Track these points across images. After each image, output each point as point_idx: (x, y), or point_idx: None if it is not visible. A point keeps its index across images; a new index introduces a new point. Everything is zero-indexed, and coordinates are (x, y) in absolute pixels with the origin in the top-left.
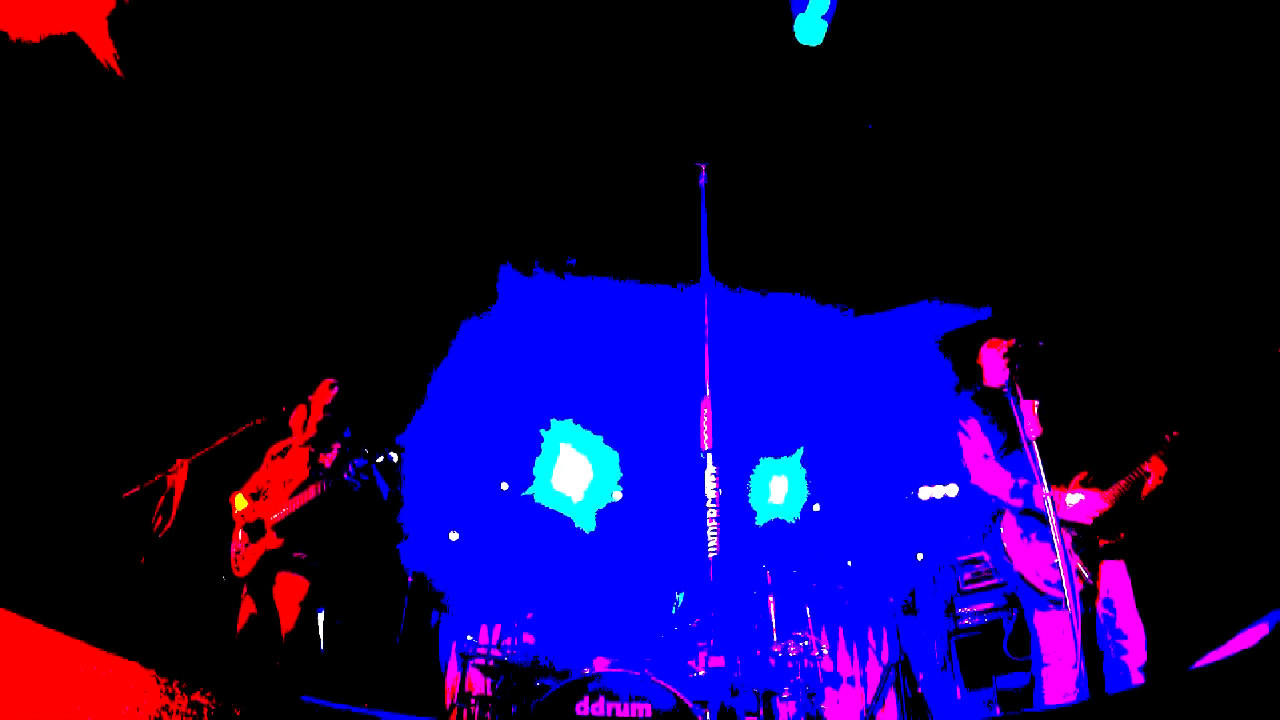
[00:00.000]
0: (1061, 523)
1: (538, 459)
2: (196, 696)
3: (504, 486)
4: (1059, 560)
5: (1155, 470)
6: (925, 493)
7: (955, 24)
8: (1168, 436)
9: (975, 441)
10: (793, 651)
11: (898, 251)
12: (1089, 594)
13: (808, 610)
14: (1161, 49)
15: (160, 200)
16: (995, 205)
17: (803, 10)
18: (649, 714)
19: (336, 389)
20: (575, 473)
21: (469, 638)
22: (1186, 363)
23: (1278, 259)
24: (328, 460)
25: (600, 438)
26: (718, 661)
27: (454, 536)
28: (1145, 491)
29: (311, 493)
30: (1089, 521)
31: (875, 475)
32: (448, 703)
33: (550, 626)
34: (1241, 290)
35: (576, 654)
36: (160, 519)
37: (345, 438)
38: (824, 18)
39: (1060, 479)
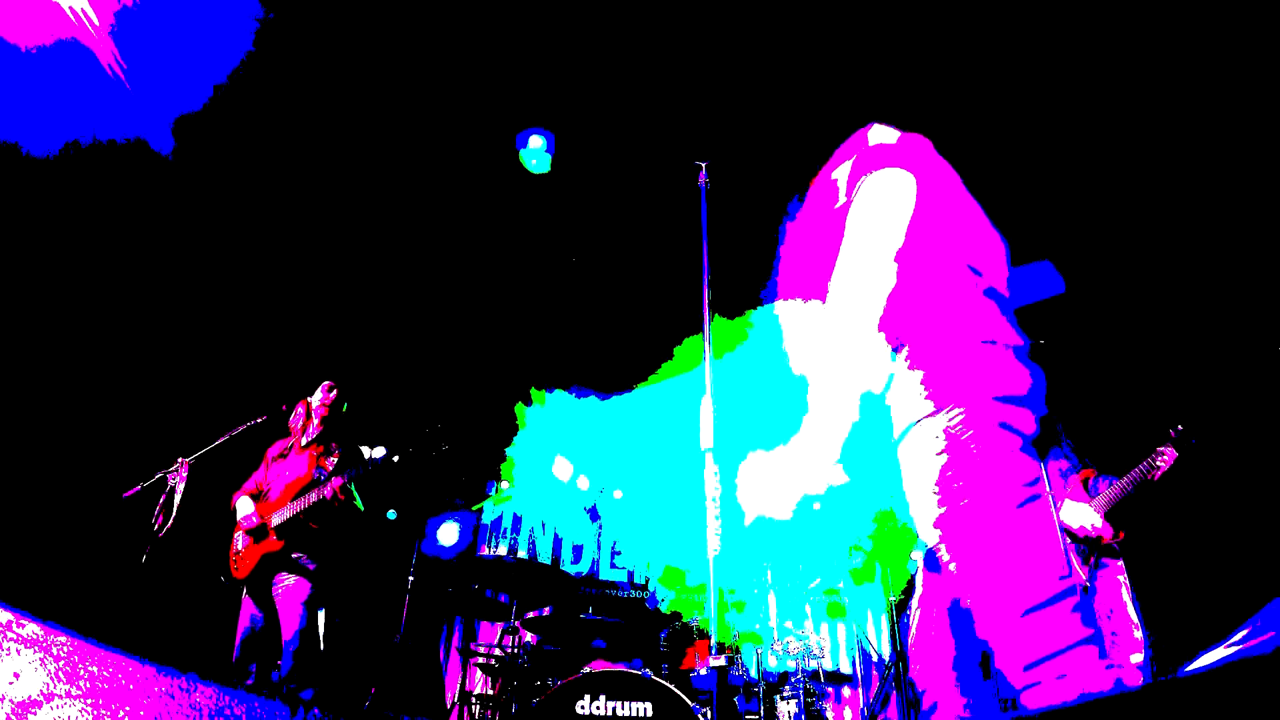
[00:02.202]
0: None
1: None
2: (197, 697)
3: (504, 485)
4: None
5: (1168, 457)
6: None
7: (955, 23)
8: (1172, 432)
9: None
10: (793, 650)
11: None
12: (1087, 592)
13: (808, 609)
14: (1162, 46)
15: (161, 201)
16: (996, 204)
17: (524, 147)
18: (649, 713)
19: (335, 391)
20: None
21: (464, 636)
22: (1187, 363)
23: (1278, 258)
24: (329, 463)
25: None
26: (718, 660)
27: (450, 536)
28: (1158, 475)
29: (314, 496)
30: (1092, 532)
31: (872, 473)
32: (448, 702)
33: (551, 625)
34: (1242, 290)
35: (579, 651)
36: (160, 519)
37: (346, 439)
38: (547, 151)
39: (1064, 476)
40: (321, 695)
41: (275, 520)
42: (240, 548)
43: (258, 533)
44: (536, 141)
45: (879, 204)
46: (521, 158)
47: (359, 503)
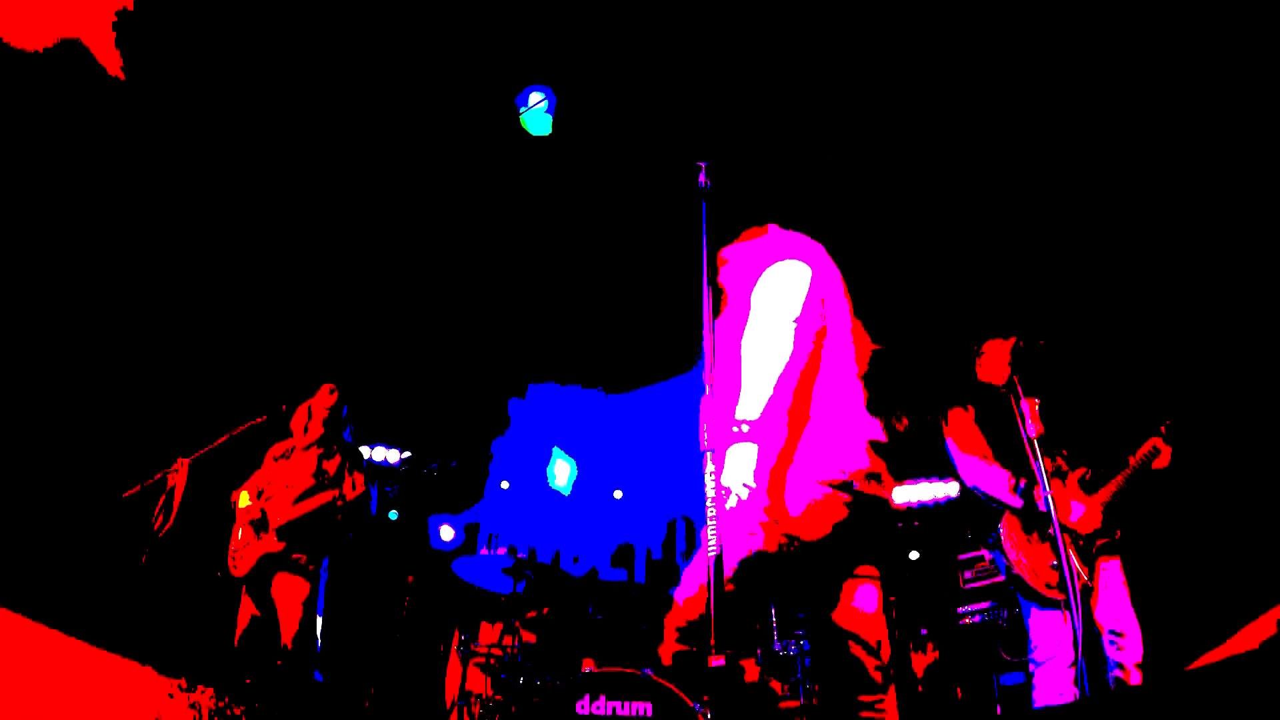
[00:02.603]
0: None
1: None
2: (196, 696)
3: (504, 485)
4: (1060, 560)
5: (1162, 452)
6: (920, 492)
7: (955, 23)
8: (1163, 427)
9: (969, 440)
10: (794, 650)
11: (898, 249)
12: (1086, 592)
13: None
14: (1162, 44)
15: (161, 200)
16: (997, 205)
17: (525, 105)
18: (649, 713)
19: (336, 394)
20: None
21: (465, 636)
22: (1185, 362)
23: (1277, 259)
24: (330, 465)
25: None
26: (718, 661)
27: (448, 534)
28: (1156, 466)
29: (320, 499)
30: (1087, 529)
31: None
32: (448, 701)
33: (550, 625)
34: (1240, 290)
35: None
36: (160, 519)
37: (347, 441)
38: (547, 111)
39: (1060, 475)
40: (321, 695)
41: (279, 522)
42: (239, 545)
43: (259, 524)
44: (536, 99)
45: (781, 284)
46: (522, 119)
47: (371, 507)
